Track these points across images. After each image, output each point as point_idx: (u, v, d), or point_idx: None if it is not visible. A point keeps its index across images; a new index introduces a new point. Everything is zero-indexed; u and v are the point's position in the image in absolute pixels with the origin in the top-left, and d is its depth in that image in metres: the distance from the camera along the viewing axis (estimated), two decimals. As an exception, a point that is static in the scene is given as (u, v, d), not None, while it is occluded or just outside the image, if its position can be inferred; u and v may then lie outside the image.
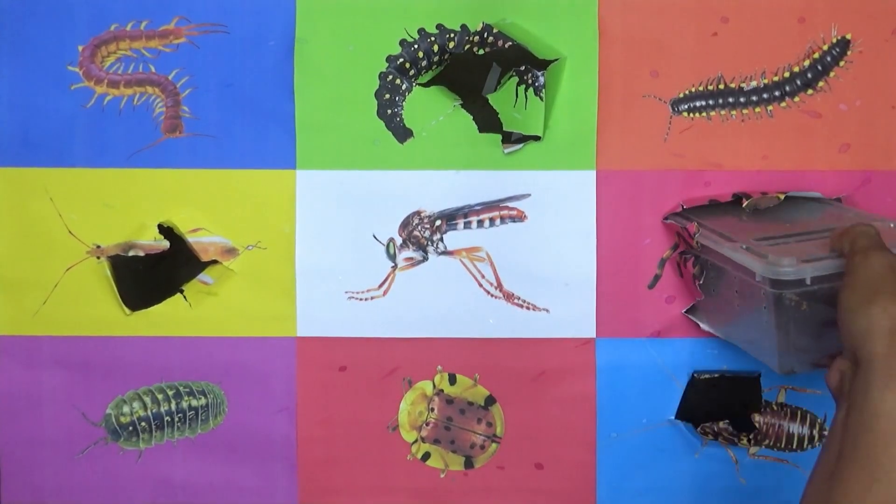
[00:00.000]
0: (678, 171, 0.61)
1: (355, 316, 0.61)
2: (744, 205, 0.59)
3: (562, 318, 0.61)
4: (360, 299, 0.61)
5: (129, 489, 0.62)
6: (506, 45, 0.60)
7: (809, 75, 0.60)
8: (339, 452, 0.62)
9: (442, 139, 0.61)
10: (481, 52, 0.61)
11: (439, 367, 0.62)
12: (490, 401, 0.62)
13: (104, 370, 0.61)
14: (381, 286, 0.61)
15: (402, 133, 0.61)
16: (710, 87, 0.60)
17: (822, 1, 0.60)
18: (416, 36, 0.61)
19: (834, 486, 0.42)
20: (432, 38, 0.60)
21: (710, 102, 0.61)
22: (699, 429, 0.62)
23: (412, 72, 0.61)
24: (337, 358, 0.61)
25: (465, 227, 0.61)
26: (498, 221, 0.61)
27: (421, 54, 0.61)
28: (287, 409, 0.62)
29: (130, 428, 0.62)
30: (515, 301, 0.61)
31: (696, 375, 0.62)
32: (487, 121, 0.61)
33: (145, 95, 0.61)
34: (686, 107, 0.61)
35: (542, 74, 0.60)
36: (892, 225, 0.54)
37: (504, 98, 0.61)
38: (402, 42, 0.61)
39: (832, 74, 0.60)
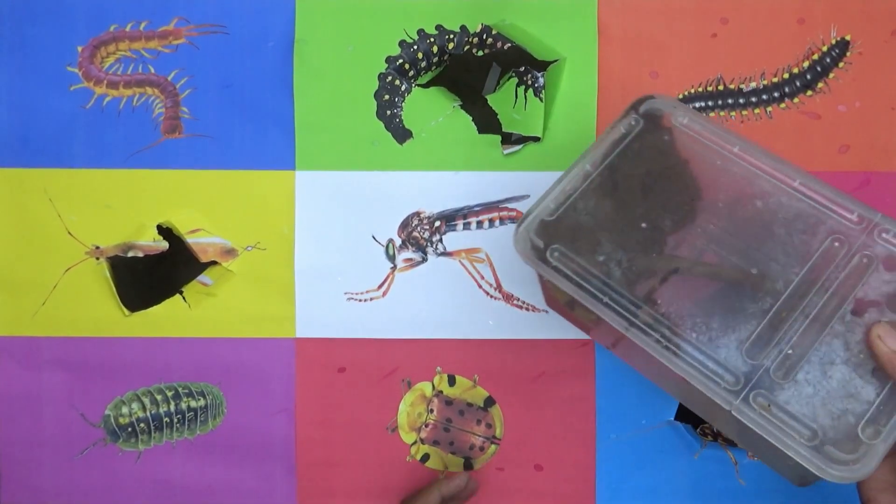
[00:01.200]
0: (677, 173, 0.61)
1: (354, 317, 0.61)
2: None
3: (561, 319, 0.61)
4: (360, 300, 0.61)
5: (127, 490, 0.62)
6: (505, 47, 0.60)
7: (809, 76, 0.60)
8: (338, 454, 0.62)
9: (441, 140, 0.61)
10: (480, 53, 0.61)
11: (438, 369, 0.62)
12: (489, 402, 0.62)
13: (103, 371, 0.61)
14: (380, 287, 0.61)
15: (402, 134, 0.61)
16: (710, 89, 0.61)
17: (822, 2, 0.60)
18: (416, 37, 0.61)
19: None
20: (431, 39, 0.61)
21: (710, 104, 0.61)
22: (699, 430, 0.62)
23: (411, 73, 0.61)
24: (336, 359, 0.61)
25: (464, 228, 0.61)
26: (497, 222, 0.61)
27: (420, 55, 0.61)
28: (286, 411, 0.62)
29: (129, 429, 0.62)
30: (515, 302, 0.61)
31: (695, 377, 0.62)
32: (487, 122, 0.61)
33: (145, 96, 0.61)
34: (691, 106, 0.61)
35: (542, 75, 0.60)
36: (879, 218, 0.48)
37: (503, 99, 0.62)
38: (402, 43, 0.61)
39: (831, 76, 0.60)
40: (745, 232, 0.47)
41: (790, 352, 0.43)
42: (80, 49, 0.61)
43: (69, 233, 0.61)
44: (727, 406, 0.42)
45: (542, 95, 0.60)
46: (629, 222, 0.48)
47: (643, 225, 0.48)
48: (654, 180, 0.49)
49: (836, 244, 0.46)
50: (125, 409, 0.62)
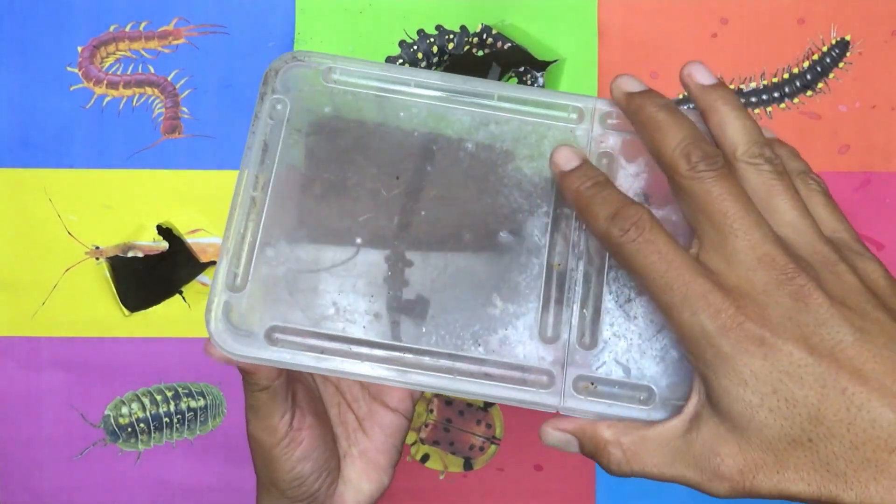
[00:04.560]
0: (677, 173, 0.60)
1: (354, 317, 0.61)
2: None
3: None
4: (360, 300, 0.61)
5: (127, 491, 0.62)
6: (505, 47, 0.60)
7: (809, 77, 0.60)
8: (338, 454, 0.62)
9: (441, 140, 0.60)
10: (480, 53, 0.61)
11: (438, 369, 0.62)
12: (489, 402, 0.62)
13: (103, 371, 0.61)
14: (380, 287, 0.61)
15: (402, 134, 0.61)
16: (710, 89, 0.60)
17: (822, 2, 0.60)
18: (416, 37, 0.61)
19: None
20: (431, 40, 0.61)
21: (710, 104, 0.61)
22: (699, 430, 0.62)
23: (411, 73, 0.61)
24: (336, 359, 0.61)
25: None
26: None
27: (420, 55, 0.61)
28: (286, 411, 0.61)
29: (129, 429, 0.62)
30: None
31: (695, 377, 0.61)
32: (487, 122, 0.61)
33: (144, 96, 0.61)
34: (686, 108, 0.61)
35: (542, 75, 0.60)
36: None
37: (503, 99, 0.61)
38: (402, 43, 0.61)
39: (832, 76, 0.60)
40: (471, 190, 0.38)
41: (585, 311, 0.36)
42: (80, 49, 0.61)
43: (69, 233, 0.61)
44: (555, 409, 0.36)
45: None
46: (342, 246, 0.37)
47: (358, 241, 0.37)
48: (341, 173, 0.38)
49: None
50: (125, 410, 0.62)
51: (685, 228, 0.37)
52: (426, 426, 0.62)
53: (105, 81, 0.61)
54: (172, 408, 0.62)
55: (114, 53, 0.61)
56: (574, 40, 0.60)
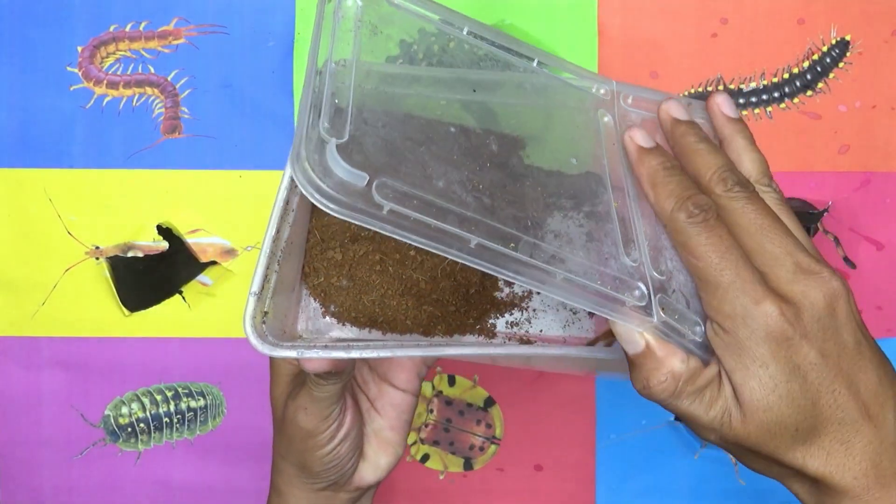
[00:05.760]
0: (677, 173, 0.60)
1: (354, 317, 0.61)
2: None
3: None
4: (360, 300, 0.61)
5: (127, 490, 0.62)
6: (505, 46, 0.60)
7: (809, 76, 0.60)
8: (338, 454, 0.62)
9: (441, 140, 0.60)
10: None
11: (438, 369, 0.62)
12: (489, 402, 0.62)
13: (103, 371, 0.61)
14: (380, 287, 0.61)
15: (402, 134, 0.61)
16: (710, 89, 0.61)
17: (822, 2, 0.60)
18: (416, 36, 0.60)
19: None
20: (432, 39, 0.60)
21: (710, 104, 0.61)
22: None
23: (411, 73, 0.61)
24: (336, 359, 0.61)
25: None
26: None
27: (421, 55, 0.60)
28: (286, 411, 0.61)
29: (129, 429, 0.62)
30: (515, 302, 0.61)
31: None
32: (487, 122, 0.61)
33: (144, 96, 0.61)
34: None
35: (542, 75, 0.60)
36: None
37: (503, 99, 0.61)
38: (402, 42, 0.60)
39: (831, 76, 0.60)
40: (538, 116, 0.39)
41: (646, 242, 0.37)
42: (80, 49, 0.61)
43: (69, 233, 0.61)
44: (642, 327, 0.35)
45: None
46: (436, 127, 0.35)
47: (451, 130, 0.35)
48: (421, 72, 0.37)
49: (607, 119, 0.41)
50: (125, 410, 0.62)
51: None
52: (426, 426, 0.62)
53: (105, 81, 0.61)
54: (172, 408, 0.62)
55: (114, 53, 0.61)
56: (574, 40, 0.60)
